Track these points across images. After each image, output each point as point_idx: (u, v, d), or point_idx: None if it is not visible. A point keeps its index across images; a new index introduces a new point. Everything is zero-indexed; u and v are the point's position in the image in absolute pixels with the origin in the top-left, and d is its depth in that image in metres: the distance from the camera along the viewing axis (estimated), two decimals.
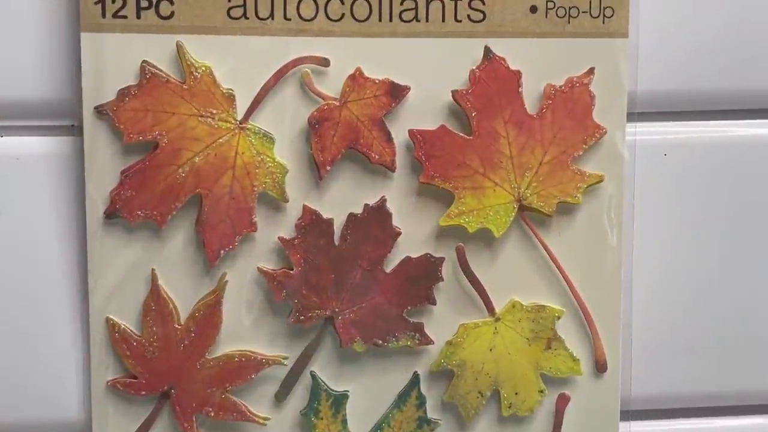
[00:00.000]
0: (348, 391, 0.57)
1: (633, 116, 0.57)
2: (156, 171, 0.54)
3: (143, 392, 0.56)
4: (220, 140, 0.54)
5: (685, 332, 0.60)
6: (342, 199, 0.56)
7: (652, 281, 0.60)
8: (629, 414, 0.59)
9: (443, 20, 0.55)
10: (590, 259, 0.57)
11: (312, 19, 0.54)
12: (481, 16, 0.55)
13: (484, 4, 0.54)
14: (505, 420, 0.58)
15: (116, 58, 0.53)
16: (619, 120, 0.56)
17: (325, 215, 0.55)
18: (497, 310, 0.57)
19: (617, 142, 0.56)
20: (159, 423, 0.57)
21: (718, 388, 0.61)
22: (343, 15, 0.54)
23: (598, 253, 0.57)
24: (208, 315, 0.56)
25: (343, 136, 0.55)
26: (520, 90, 0.55)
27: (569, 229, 0.57)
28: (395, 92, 0.55)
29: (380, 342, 0.56)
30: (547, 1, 0.55)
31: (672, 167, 0.59)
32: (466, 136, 0.55)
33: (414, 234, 0.56)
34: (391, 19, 0.54)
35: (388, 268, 0.56)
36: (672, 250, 0.60)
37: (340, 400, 0.57)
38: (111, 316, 0.56)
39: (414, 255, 0.56)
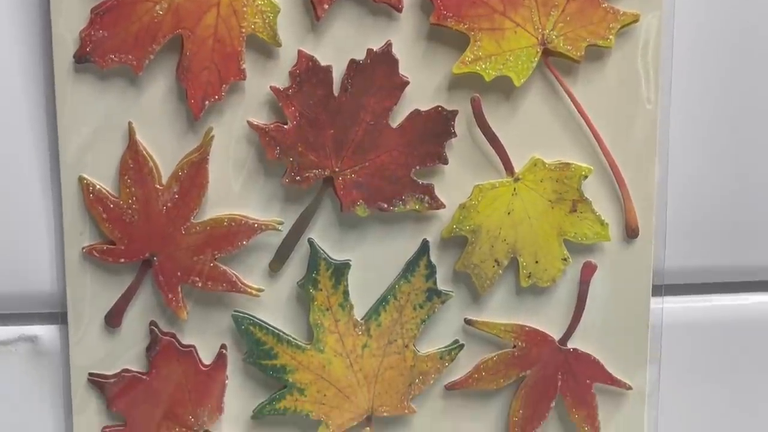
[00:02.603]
0: (350, 260, 0.53)
1: None
2: (130, 8, 0.50)
3: (122, 260, 0.52)
4: None
5: (725, 202, 0.57)
6: (342, 44, 0.52)
7: (692, 138, 0.56)
8: (662, 289, 0.56)
9: None
10: (622, 111, 0.53)
11: None
12: None
13: None
14: (523, 291, 0.54)
15: None
16: None
17: (323, 62, 0.51)
18: (516, 169, 0.53)
19: None
20: (141, 294, 0.53)
21: (756, 262, 0.58)
22: None
23: (631, 105, 0.53)
24: (193, 174, 0.52)
25: None
26: None
27: (599, 77, 0.53)
28: None
29: (385, 206, 0.53)
30: None
31: (718, 14, 0.55)
32: None
33: (423, 83, 0.52)
34: None
35: (395, 122, 0.52)
36: (715, 104, 0.56)
37: (340, 270, 0.53)
38: (84, 175, 0.52)
39: (423, 107, 0.52)
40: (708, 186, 0.57)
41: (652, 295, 0.55)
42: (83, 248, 0.52)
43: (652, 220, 0.54)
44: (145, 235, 0.52)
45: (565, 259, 0.54)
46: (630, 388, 0.55)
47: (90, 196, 0.52)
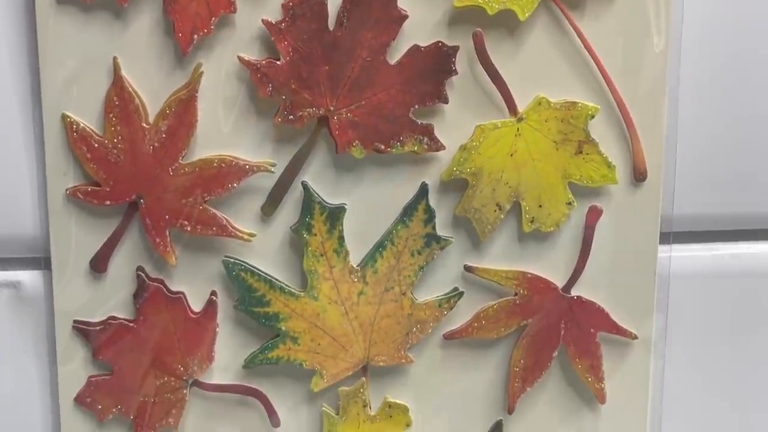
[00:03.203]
0: (345, 204, 0.52)
1: None
2: None
3: (108, 202, 0.51)
4: None
5: (737, 148, 0.55)
6: None
7: (704, 80, 0.54)
8: (670, 236, 0.54)
9: None
10: (631, 48, 0.52)
11: None
12: None
13: None
14: (526, 237, 0.53)
15: None
16: None
17: None
18: (520, 108, 0.51)
19: None
20: (127, 238, 0.52)
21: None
22: None
23: (640, 42, 0.52)
24: (181, 112, 0.50)
25: None
26: None
27: (608, 12, 0.51)
28: None
29: (382, 147, 0.51)
30: None
31: None
32: None
33: (423, 18, 0.51)
34: None
35: (393, 59, 0.50)
36: (728, 45, 0.54)
37: (335, 215, 0.51)
38: (67, 113, 0.50)
39: (423, 43, 0.50)
40: (719, 130, 0.55)
41: (660, 243, 0.54)
42: (67, 190, 0.50)
43: (660, 164, 0.53)
44: (131, 176, 0.50)
45: (569, 203, 0.52)
46: (636, 337, 0.54)
47: (73, 134, 0.50)
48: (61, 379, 0.53)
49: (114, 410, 0.53)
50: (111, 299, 0.52)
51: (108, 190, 0.50)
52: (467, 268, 0.53)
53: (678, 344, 0.57)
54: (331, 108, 0.50)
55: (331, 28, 0.49)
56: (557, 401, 0.55)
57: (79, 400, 0.53)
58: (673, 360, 0.57)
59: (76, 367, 0.53)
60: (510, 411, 0.54)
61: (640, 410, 0.55)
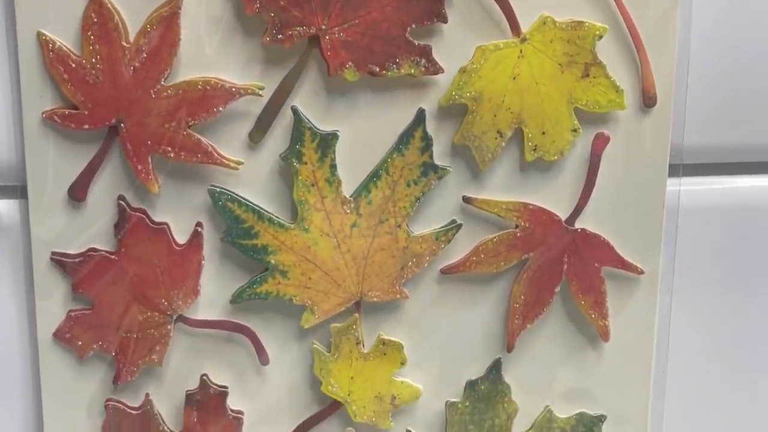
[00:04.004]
0: (337, 130, 0.50)
1: None
2: None
3: (86, 126, 0.48)
4: None
5: (752, 75, 0.53)
6: None
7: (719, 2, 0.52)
8: (680, 168, 0.52)
9: None
10: None
11: None
12: None
13: None
14: (528, 167, 0.51)
15: None
16: None
17: None
18: (523, 28, 0.49)
19: None
20: (108, 165, 0.49)
21: None
22: None
23: None
24: (163, 31, 0.47)
25: None
26: None
27: None
28: None
29: (377, 69, 0.49)
30: None
31: None
32: None
33: None
34: None
35: None
36: None
37: (327, 142, 0.49)
38: (43, 31, 0.48)
39: None
40: (734, 56, 0.53)
41: (669, 176, 0.52)
42: (43, 113, 0.48)
43: (671, 89, 0.51)
44: (110, 98, 0.48)
45: (574, 130, 0.50)
46: (642, 272, 0.52)
47: (50, 54, 0.48)
48: (39, 313, 0.51)
49: (95, 346, 0.51)
50: (91, 230, 0.50)
51: (86, 113, 0.48)
52: (466, 199, 0.51)
53: (686, 280, 0.55)
54: (323, 27, 0.48)
55: None
56: (559, 339, 0.53)
57: (58, 335, 0.51)
58: (680, 296, 0.55)
59: (55, 302, 0.51)
60: (509, 349, 0.52)
61: (646, 348, 0.54)
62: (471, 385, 0.53)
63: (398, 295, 0.51)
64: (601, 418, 0.54)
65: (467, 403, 0.53)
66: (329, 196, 0.50)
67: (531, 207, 0.51)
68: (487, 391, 0.53)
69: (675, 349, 0.55)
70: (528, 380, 0.53)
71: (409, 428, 0.53)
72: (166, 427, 0.52)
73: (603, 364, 0.53)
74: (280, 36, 0.47)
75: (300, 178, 0.49)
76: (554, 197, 0.51)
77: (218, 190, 0.49)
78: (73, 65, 0.47)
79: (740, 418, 0.58)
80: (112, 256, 0.50)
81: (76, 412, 0.52)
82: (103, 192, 0.50)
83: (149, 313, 0.50)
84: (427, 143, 0.50)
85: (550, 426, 0.53)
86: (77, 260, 0.50)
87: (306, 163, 0.49)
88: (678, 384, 0.56)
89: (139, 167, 0.48)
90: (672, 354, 0.55)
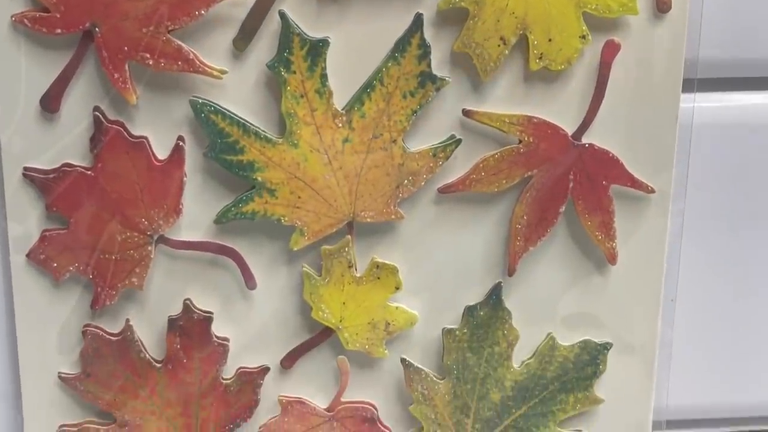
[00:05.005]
0: (329, 37, 0.47)
1: None
2: None
3: (59, 30, 0.46)
4: None
5: None
6: None
7: None
8: (694, 83, 0.49)
9: None
10: None
11: None
12: None
13: None
14: (532, 76, 0.48)
15: None
16: None
17: None
18: None
19: None
20: (82, 74, 0.47)
21: None
22: None
23: None
24: None
25: None
26: None
27: None
28: None
29: None
30: None
31: None
32: None
33: None
34: None
35: None
36: None
37: (318, 49, 0.46)
38: None
39: None
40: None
41: (683, 91, 0.49)
42: (12, 16, 0.46)
43: None
44: (84, 0, 0.45)
45: (583, 37, 0.47)
46: (652, 191, 0.49)
47: None
48: (11, 234, 0.48)
49: (71, 269, 0.48)
50: (65, 143, 0.47)
51: (58, 16, 0.45)
52: (466, 113, 0.48)
53: (698, 201, 0.53)
54: None
55: None
56: (563, 262, 0.51)
57: (32, 257, 0.48)
58: (691, 218, 0.53)
59: (28, 221, 0.48)
60: (510, 273, 0.50)
61: (655, 273, 0.51)
62: (470, 310, 0.50)
63: (393, 216, 0.49)
64: (606, 346, 0.51)
65: (465, 330, 0.50)
66: (319, 109, 0.47)
67: (535, 120, 0.48)
68: (487, 318, 0.50)
69: (685, 274, 0.53)
70: (530, 306, 0.51)
71: (404, 356, 0.51)
72: (147, 354, 0.50)
73: (609, 289, 0.51)
74: None
75: (288, 88, 0.47)
76: (560, 110, 0.49)
77: (200, 101, 0.46)
78: None
79: (755, 349, 0.56)
80: (89, 172, 0.47)
81: (52, 338, 0.50)
82: (78, 103, 0.47)
83: (128, 233, 0.48)
84: (424, 51, 0.47)
85: (553, 354, 0.51)
86: (51, 176, 0.47)
87: (295, 73, 0.46)
88: (688, 312, 0.54)
89: (116, 75, 0.45)
90: (682, 279, 0.52)
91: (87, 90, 0.47)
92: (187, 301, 0.49)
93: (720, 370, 0.56)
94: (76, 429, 0.51)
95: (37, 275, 0.49)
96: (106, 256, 0.48)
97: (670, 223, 0.51)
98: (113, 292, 0.49)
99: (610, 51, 0.48)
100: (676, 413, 0.56)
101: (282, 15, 0.46)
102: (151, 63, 0.45)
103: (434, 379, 0.51)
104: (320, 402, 0.52)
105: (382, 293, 0.50)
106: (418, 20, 0.46)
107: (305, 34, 0.46)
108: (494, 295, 0.50)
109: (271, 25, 0.46)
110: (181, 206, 0.48)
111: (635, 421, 0.53)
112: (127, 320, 0.49)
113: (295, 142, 0.47)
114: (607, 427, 0.53)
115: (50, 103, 0.46)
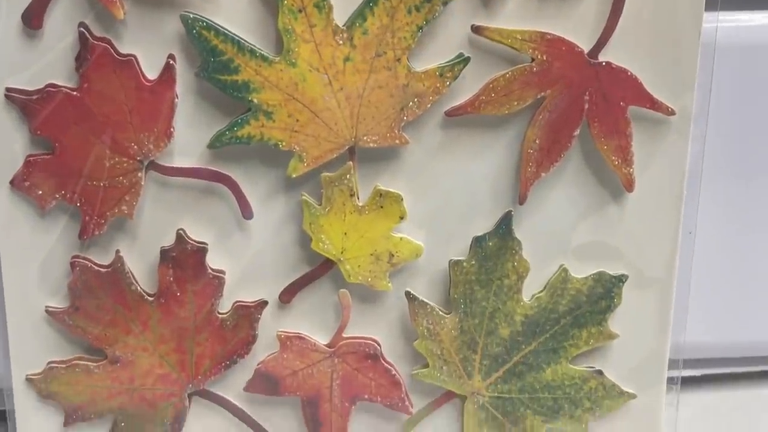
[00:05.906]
0: None
1: None
2: None
3: None
4: None
5: None
6: None
7: None
8: (717, 1, 0.47)
9: None
10: None
11: None
12: None
13: None
14: None
15: None
16: None
17: None
18: None
19: None
20: None
21: None
22: None
23: None
24: None
25: None
26: None
27: None
28: None
29: None
30: None
31: None
32: None
33: None
34: None
35: None
36: None
37: None
38: None
39: None
40: None
41: (706, 10, 0.46)
42: None
43: None
44: None
45: None
46: (673, 113, 0.47)
47: None
48: None
49: (57, 196, 0.46)
50: (49, 62, 0.44)
51: None
52: (475, 29, 0.45)
53: (720, 125, 0.50)
54: None
55: None
56: (577, 189, 0.48)
57: (16, 183, 0.46)
58: (713, 143, 0.50)
59: (11, 146, 0.46)
60: (521, 201, 0.47)
61: (674, 200, 0.48)
62: (478, 241, 0.48)
63: (397, 141, 0.46)
64: (621, 278, 0.49)
65: (473, 262, 0.48)
66: (319, 25, 0.44)
67: (549, 37, 0.45)
68: (496, 248, 0.48)
69: (706, 201, 0.50)
70: (541, 236, 0.48)
71: (409, 289, 0.49)
72: (138, 287, 0.47)
73: (626, 219, 0.49)
74: None
75: (285, 2, 0.44)
76: (576, 26, 0.46)
77: (192, 16, 0.44)
78: None
79: None
80: (74, 93, 0.44)
81: (38, 269, 0.48)
82: (62, 19, 0.44)
83: (117, 159, 0.45)
84: None
85: (565, 287, 0.49)
86: (35, 97, 0.45)
87: None
88: (707, 246, 0.52)
89: None
90: (703, 207, 0.50)
91: (71, 4, 0.44)
92: (181, 232, 0.47)
93: (740, 307, 0.54)
94: (64, 366, 0.49)
95: (21, 203, 0.46)
96: (94, 182, 0.46)
97: (691, 147, 0.48)
98: (102, 221, 0.46)
99: None
100: (694, 352, 0.54)
101: None
102: None
103: (440, 313, 0.49)
104: (321, 338, 0.50)
105: (385, 223, 0.47)
106: None
107: None
108: (504, 225, 0.48)
109: None
110: (172, 129, 0.45)
111: (651, 359, 0.51)
112: (117, 251, 0.47)
113: (293, 60, 0.44)
114: (621, 364, 0.50)
115: (32, 18, 0.44)
